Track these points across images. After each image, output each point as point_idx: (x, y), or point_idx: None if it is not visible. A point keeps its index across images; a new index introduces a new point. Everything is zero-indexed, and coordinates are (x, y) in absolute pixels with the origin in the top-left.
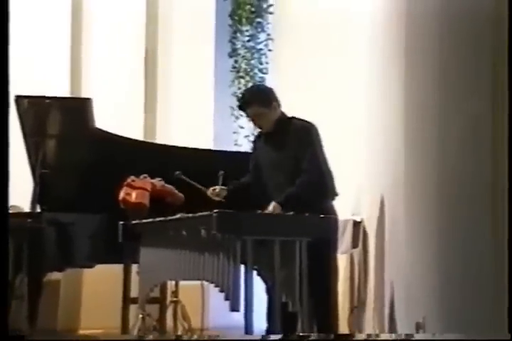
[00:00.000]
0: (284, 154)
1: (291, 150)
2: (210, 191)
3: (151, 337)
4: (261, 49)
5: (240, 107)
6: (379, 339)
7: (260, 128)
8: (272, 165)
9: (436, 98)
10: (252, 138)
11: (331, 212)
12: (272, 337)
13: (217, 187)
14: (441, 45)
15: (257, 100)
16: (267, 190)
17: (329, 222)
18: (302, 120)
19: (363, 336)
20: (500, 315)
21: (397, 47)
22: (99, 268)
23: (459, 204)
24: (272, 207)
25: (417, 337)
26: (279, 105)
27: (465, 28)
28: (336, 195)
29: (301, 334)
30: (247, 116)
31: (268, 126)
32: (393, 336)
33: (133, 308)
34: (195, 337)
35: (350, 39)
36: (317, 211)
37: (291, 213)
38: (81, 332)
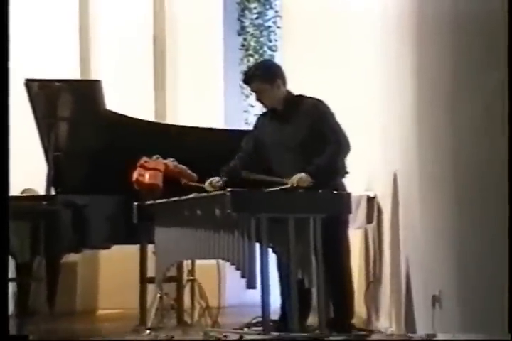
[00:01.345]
0: (297, 132)
1: (304, 127)
2: (207, 184)
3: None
4: (269, 26)
5: (244, 81)
6: (398, 339)
7: (262, 103)
8: (284, 143)
9: (449, 75)
10: None
11: (342, 189)
12: (290, 335)
13: (213, 179)
14: (454, 27)
15: (259, 76)
16: (277, 167)
17: (342, 197)
18: (311, 97)
19: (383, 335)
20: None
21: (409, 25)
22: (116, 248)
23: (474, 179)
24: (299, 177)
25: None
26: (284, 83)
27: (478, 15)
28: (347, 172)
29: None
30: (251, 90)
31: (270, 102)
32: (413, 337)
33: (150, 288)
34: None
35: (361, 15)
36: (330, 188)
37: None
38: (99, 312)
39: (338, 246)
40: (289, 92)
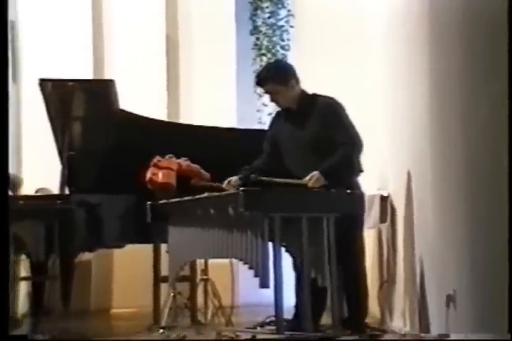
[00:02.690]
0: (311, 131)
1: (319, 126)
2: (225, 184)
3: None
4: (282, 25)
5: (257, 83)
6: (410, 339)
7: (277, 104)
8: (298, 142)
9: (460, 74)
10: None
11: (357, 187)
12: (302, 335)
13: (232, 179)
14: (465, 26)
15: (273, 77)
16: (291, 167)
17: (356, 197)
18: (325, 96)
19: (396, 336)
20: None
21: (420, 22)
22: (130, 247)
23: (487, 176)
24: (314, 176)
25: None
26: (297, 82)
27: (490, 16)
28: (362, 171)
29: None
30: (264, 91)
31: (285, 102)
32: (427, 337)
33: (164, 287)
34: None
35: (373, 13)
36: (344, 186)
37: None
38: (113, 311)
39: (352, 246)
40: (303, 91)
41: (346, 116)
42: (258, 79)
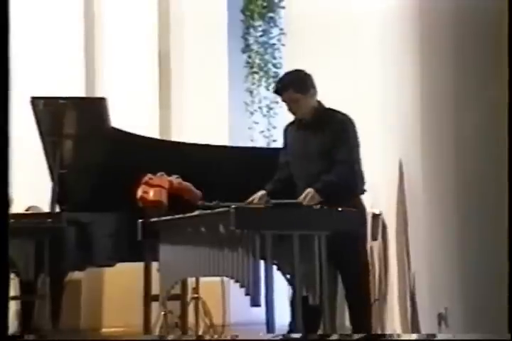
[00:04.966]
0: (319, 144)
1: (328, 141)
2: (255, 202)
3: (171, 336)
4: (274, 44)
5: (276, 91)
6: (400, 339)
7: (294, 114)
8: (305, 154)
9: (453, 82)
10: (267, 134)
11: (359, 206)
12: (293, 335)
13: (255, 197)
14: (458, 31)
15: (293, 85)
16: (294, 177)
17: (350, 215)
18: (340, 112)
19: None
20: None
21: (412, 36)
22: (120, 266)
23: (481, 193)
24: (309, 194)
25: (439, 336)
26: (315, 93)
27: (482, 16)
28: (365, 190)
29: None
30: (282, 100)
31: (302, 112)
32: (415, 336)
33: (154, 306)
34: (215, 336)
35: (363, 32)
36: (346, 205)
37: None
38: (104, 330)
39: (355, 263)
40: (320, 104)
41: (354, 136)
42: (278, 86)
